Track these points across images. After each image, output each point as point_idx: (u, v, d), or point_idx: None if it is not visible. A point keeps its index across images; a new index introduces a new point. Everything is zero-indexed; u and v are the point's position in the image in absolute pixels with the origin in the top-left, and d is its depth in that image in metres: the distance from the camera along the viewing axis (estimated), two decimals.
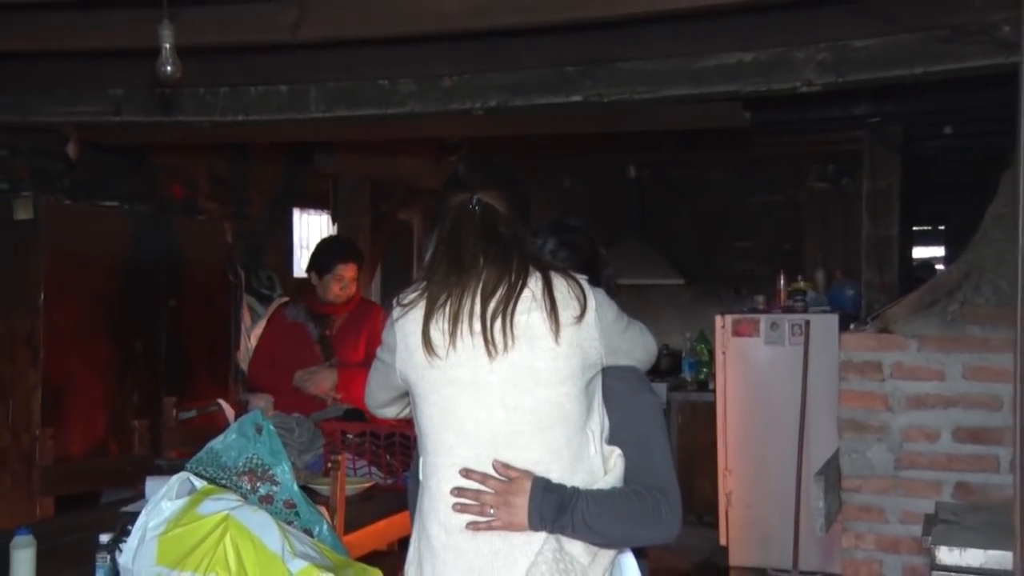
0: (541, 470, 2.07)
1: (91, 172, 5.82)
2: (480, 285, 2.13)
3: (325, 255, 4.89)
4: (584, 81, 4.20)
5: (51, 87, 4.90)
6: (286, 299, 6.16)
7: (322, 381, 4.68)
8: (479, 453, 2.09)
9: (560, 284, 2.15)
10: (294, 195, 7.62)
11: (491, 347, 2.08)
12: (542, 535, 2.05)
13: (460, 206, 2.24)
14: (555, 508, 2.03)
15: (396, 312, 2.21)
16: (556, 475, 2.09)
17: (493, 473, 2.06)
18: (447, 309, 2.13)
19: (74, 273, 5.17)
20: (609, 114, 4.56)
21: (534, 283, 2.14)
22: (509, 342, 2.09)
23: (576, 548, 2.07)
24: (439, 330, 2.12)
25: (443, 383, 2.12)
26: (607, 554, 2.12)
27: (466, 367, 2.10)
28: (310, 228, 7.94)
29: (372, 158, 7.28)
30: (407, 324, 2.17)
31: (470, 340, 2.10)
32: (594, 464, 2.14)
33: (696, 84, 4.07)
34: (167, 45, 3.21)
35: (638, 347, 2.33)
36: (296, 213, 7.76)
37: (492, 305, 2.10)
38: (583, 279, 2.20)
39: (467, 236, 2.20)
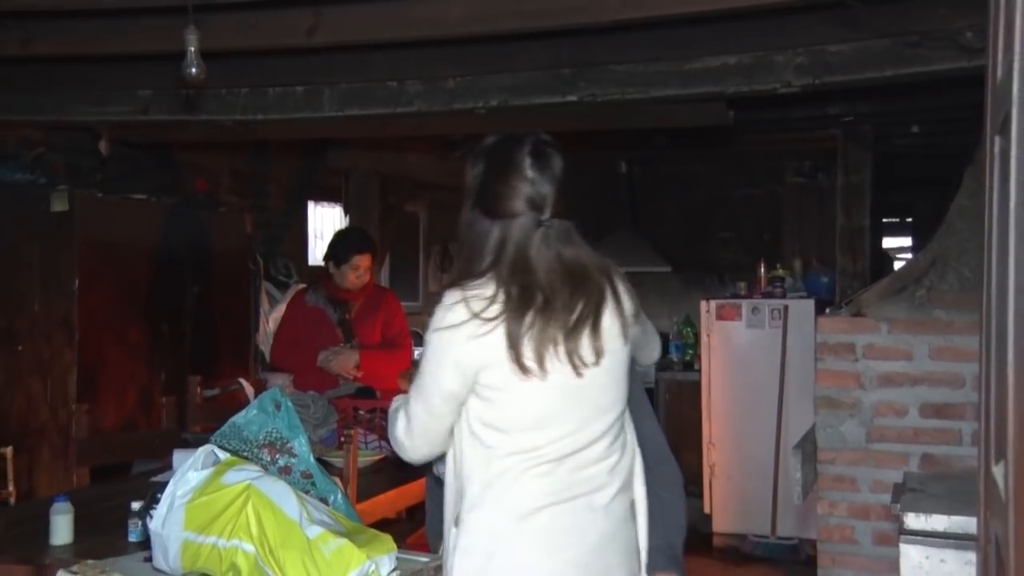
0: (613, 462, 2.08)
1: (121, 167, 5.81)
2: (562, 306, 2.01)
3: (342, 246, 4.88)
4: (579, 82, 4.20)
5: (85, 89, 4.89)
6: (303, 285, 6.16)
7: (345, 361, 4.68)
8: (564, 452, 2.03)
9: (621, 285, 2.13)
10: (309, 189, 7.61)
11: (578, 362, 2.02)
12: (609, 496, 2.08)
13: (525, 228, 2.05)
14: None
15: (475, 326, 1.99)
16: (623, 465, 2.10)
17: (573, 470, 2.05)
18: (534, 331, 1.98)
19: (106, 261, 5.17)
20: (602, 113, 4.56)
21: (608, 290, 2.09)
22: (593, 356, 2.04)
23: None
24: (529, 348, 1.98)
25: (536, 393, 2.01)
26: None
27: (557, 377, 2.01)
28: (324, 219, 7.94)
29: (381, 154, 7.28)
30: (492, 339, 1.98)
31: (559, 357, 2.00)
32: (634, 446, 2.17)
33: (683, 85, 4.07)
34: (192, 49, 3.20)
35: (655, 344, 2.36)
36: (311, 205, 7.75)
37: (576, 324, 2.02)
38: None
39: (543, 261, 2.04)
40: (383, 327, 4.83)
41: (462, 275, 2.07)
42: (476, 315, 1.99)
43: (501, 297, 2.00)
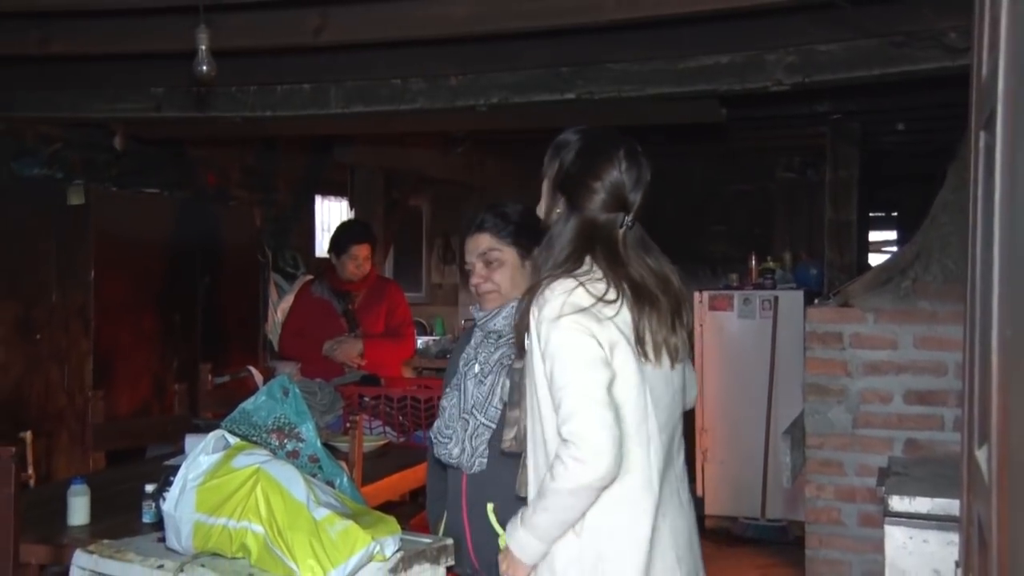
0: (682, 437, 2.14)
1: (135, 163, 5.81)
2: (658, 304, 2.02)
3: (341, 238, 4.87)
4: (577, 80, 4.19)
5: (100, 87, 4.89)
6: (310, 277, 6.16)
7: (349, 350, 4.68)
8: (669, 433, 2.06)
9: (687, 297, 2.15)
10: (316, 183, 7.61)
11: (673, 355, 2.05)
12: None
13: (611, 226, 2.04)
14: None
15: (604, 307, 1.95)
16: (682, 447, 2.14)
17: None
18: (647, 321, 1.98)
19: (121, 253, 5.17)
20: (599, 110, 4.55)
21: (683, 297, 2.11)
22: (677, 354, 2.07)
23: None
24: (648, 335, 1.98)
25: (650, 378, 2.00)
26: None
27: (663, 368, 2.03)
28: (331, 213, 7.95)
29: (386, 150, 7.26)
30: (621, 322, 1.97)
31: (666, 348, 2.03)
32: None
33: (678, 83, 4.07)
34: (203, 48, 3.19)
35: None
36: (318, 199, 7.76)
37: (672, 321, 2.05)
38: None
39: (636, 267, 2.04)
40: (386, 316, 4.82)
41: (558, 265, 2.01)
42: (599, 298, 1.94)
43: (613, 285, 1.97)
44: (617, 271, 1.99)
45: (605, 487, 1.92)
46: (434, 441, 2.48)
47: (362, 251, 4.78)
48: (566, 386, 1.92)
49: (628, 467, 1.95)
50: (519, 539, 2.00)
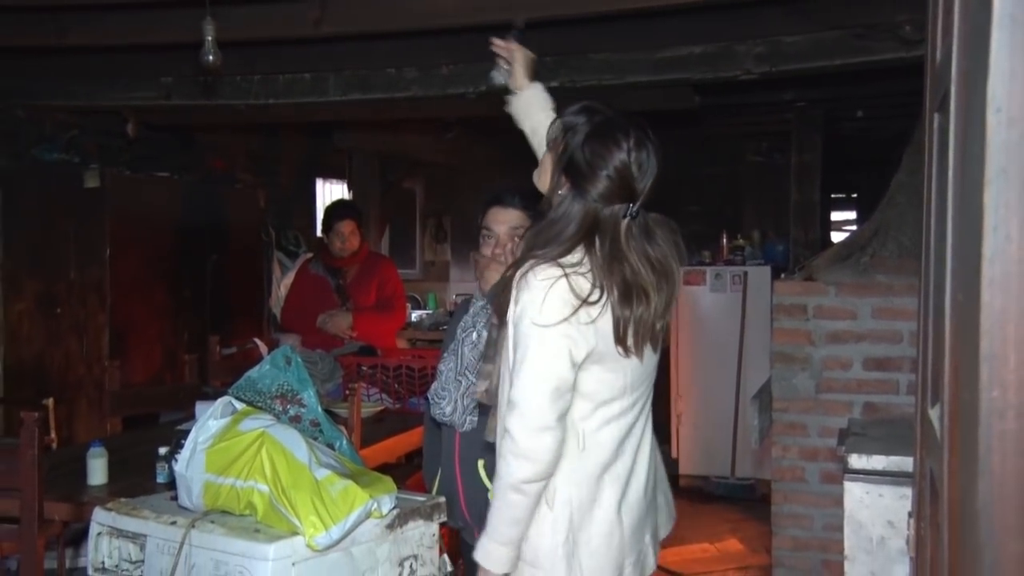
0: (649, 436, 2.09)
1: (147, 148, 5.77)
2: (656, 298, 1.92)
3: (327, 215, 4.88)
4: (560, 70, 4.17)
5: (113, 76, 4.86)
6: (310, 255, 6.13)
7: (340, 322, 4.67)
8: (641, 406, 2.02)
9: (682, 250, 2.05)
10: (317, 167, 7.57)
11: (655, 344, 1.99)
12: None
13: (615, 215, 1.89)
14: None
15: (587, 310, 1.83)
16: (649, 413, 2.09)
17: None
18: (633, 321, 1.88)
19: (134, 232, 5.15)
20: (581, 97, 4.51)
21: (678, 280, 2.01)
22: (666, 335, 2.03)
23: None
24: (631, 338, 1.89)
25: (631, 367, 1.93)
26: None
27: (646, 355, 1.97)
28: (330, 195, 7.90)
29: (382, 135, 7.23)
30: (602, 324, 1.86)
31: (647, 342, 1.95)
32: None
33: (654, 72, 4.06)
34: (209, 38, 3.17)
35: None
36: (318, 182, 7.71)
37: (664, 313, 1.96)
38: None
39: (635, 260, 1.90)
40: (377, 290, 4.81)
41: (550, 248, 1.87)
42: (583, 299, 1.82)
43: (600, 284, 1.84)
44: (612, 267, 1.86)
45: (544, 480, 1.86)
46: (431, 402, 2.48)
47: (345, 227, 4.74)
48: (519, 374, 1.85)
49: (596, 443, 1.93)
50: (482, 547, 1.91)
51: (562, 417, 1.86)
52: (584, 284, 1.83)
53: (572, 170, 1.90)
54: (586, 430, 1.92)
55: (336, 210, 4.88)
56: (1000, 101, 0.73)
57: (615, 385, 1.93)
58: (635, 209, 1.89)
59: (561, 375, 1.83)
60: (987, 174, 0.73)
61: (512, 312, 1.89)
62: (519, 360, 1.86)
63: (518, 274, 1.88)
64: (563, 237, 1.87)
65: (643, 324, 1.90)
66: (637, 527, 2.01)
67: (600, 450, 1.94)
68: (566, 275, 1.82)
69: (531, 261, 1.86)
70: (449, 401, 2.40)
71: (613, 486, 1.96)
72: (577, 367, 1.86)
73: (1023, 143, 0.72)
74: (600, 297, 1.83)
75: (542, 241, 1.90)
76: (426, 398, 2.58)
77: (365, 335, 4.64)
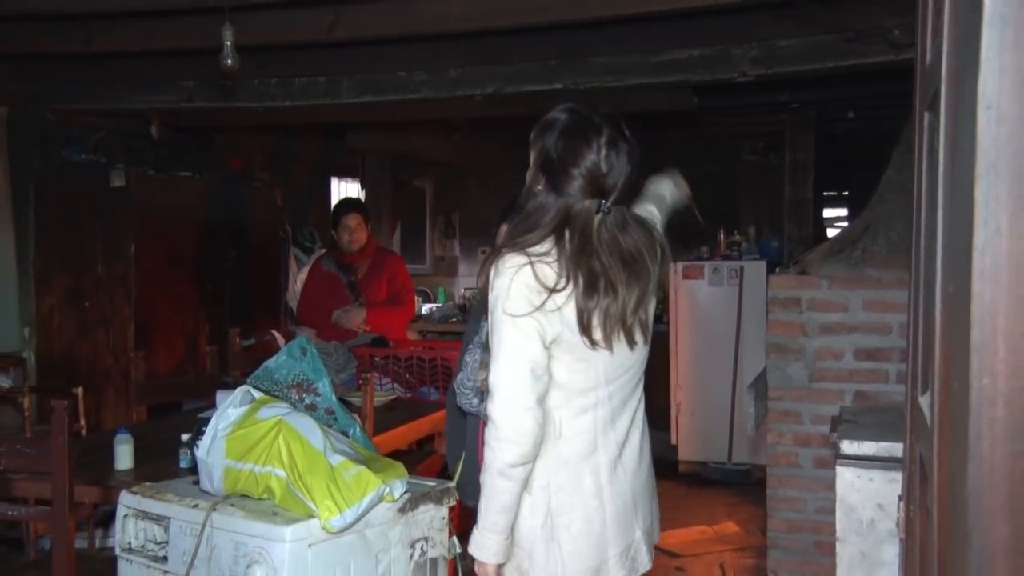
0: (642, 393, 2.05)
1: (169, 149, 5.77)
2: (624, 292, 1.87)
3: (334, 212, 4.88)
4: (564, 72, 4.16)
5: (138, 80, 4.86)
6: (323, 251, 6.13)
7: (354, 317, 4.66)
8: (622, 398, 1.97)
9: (661, 249, 1.99)
10: (331, 166, 7.57)
11: (632, 343, 1.93)
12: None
13: (587, 211, 1.86)
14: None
15: (554, 297, 1.82)
16: (643, 395, 2.05)
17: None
18: (599, 313, 1.85)
19: (158, 229, 5.15)
20: (583, 99, 4.51)
21: (654, 273, 1.94)
22: (642, 337, 1.96)
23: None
24: (597, 330, 1.86)
25: (603, 358, 1.90)
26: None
27: (619, 349, 1.92)
28: (344, 193, 7.90)
29: (393, 136, 7.22)
30: (567, 312, 1.84)
31: (620, 336, 1.90)
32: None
33: (654, 74, 4.04)
34: (228, 43, 3.16)
35: None
36: (333, 181, 7.71)
37: (635, 308, 1.91)
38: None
39: (605, 253, 1.87)
40: (387, 285, 4.79)
41: (522, 238, 1.85)
42: (548, 288, 1.80)
43: (565, 272, 1.83)
44: (580, 259, 1.83)
45: (528, 463, 1.85)
46: (457, 392, 2.46)
47: (351, 220, 4.71)
48: (496, 359, 1.85)
49: (573, 431, 1.91)
50: (474, 540, 1.92)
51: (541, 400, 1.86)
52: (549, 272, 1.82)
53: (547, 167, 1.90)
54: (562, 418, 1.90)
55: (342, 205, 4.88)
56: (990, 98, 0.72)
57: (587, 375, 1.90)
58: (608, 205, 1.87)
59: (535, 357, 1.83)
60: (978, 169, 0.72)
61: (490, 299, 1.88)
62: (495, 346, 1.86)
63: (492, 263, 1.88)
64: (536, 230, 1.86)
65: (610, 317, 1.86)
66: (623, 518, 1.96)
67: (577, 439, 1.92)
68: (531, 263, 1.82)
69: (503, 250, 1.86)
70: (476, 393, 2.39)
71: (594, 475, 1.93)
72: (549, 349, 1.85)
73: (1012, 139, 0.71)
74: (565, 286, 1.82)
75: (518, 232, 1.89)
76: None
77: (377, 328, 4.64)
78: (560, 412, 1.91)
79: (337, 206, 4.93)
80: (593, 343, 1.86)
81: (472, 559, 1.97)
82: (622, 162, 1.87)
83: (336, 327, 4.63)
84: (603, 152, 1.86)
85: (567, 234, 1.86)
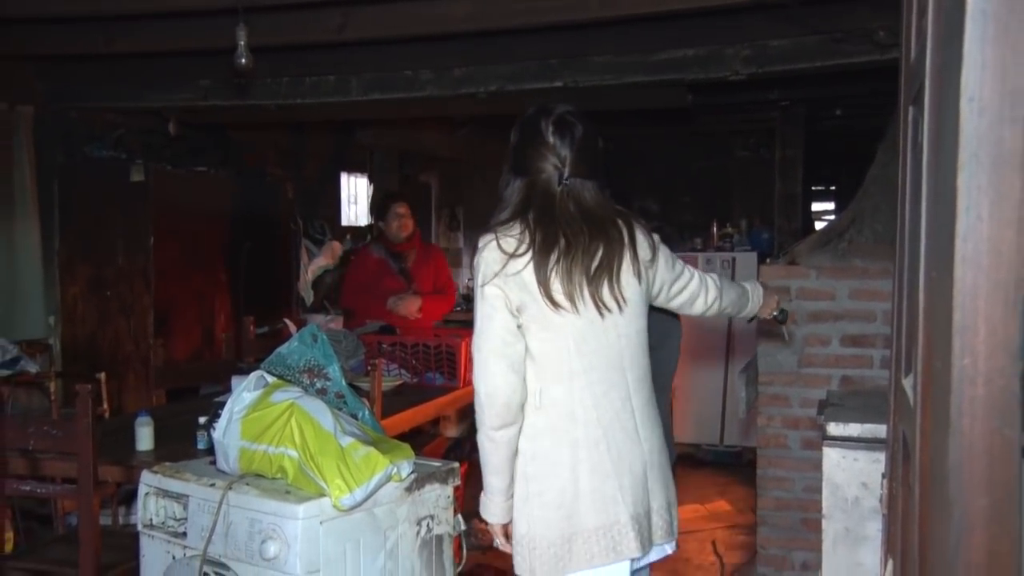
0: (646, 382, 2.02)
1: (186, 145, 5.77)
2: (583, 257, 1.91)
3: (381, 203, 4.87)
4: (564, 71, 4.15)
5: (155, 80, 4.85)
6: (336, 242, 6.14)
7: (411, 305, 4.62)
8: (604, 372, 1.95)
9: (639, 233, 2.02)
10: (340, 161, 7.55)
11: (601, 307, 1.93)
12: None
13: (548, 180, 1.96)
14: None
15: (511, 263, 1.89)
16: (648, 381, 2.03)
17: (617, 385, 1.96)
18: (559, 273, 1.89)
19: (175, 222, 5.15)
20: (583, 96, 4.51)
21: (626, 239, 1.98)
22: (615, 305, 1.95)
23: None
24: (558, 290, 1.89)
25: (571, 323, 1.92)
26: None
27: (587, 314, 1.93)
28: (352, 187, 7.89)
29: (400, 132, 7.21)
30: (525, 276, 1.89)
31: (584, 298, 1.92)
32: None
33: (650, 73, 4.03)
34: (242, 43, 3.15)
35: (683, 294, 2.16)
36: (343, 176, 7.70)
37: (597, 277, 1.92)
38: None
39: (560, 212, 1.94)
40: (434, 277, 4.78)
41: (494, 221, 1.98)
42: (509, 253, 1.89)
43: (527, 239, 1.90)
44: (542, 222, 1.91)
45: (507, 427, 1.90)
46: None
47: (401, 208, 4.71)
48: (474, 332, 1.94)
49: (550, 401, 1.93)
50: (481, 502, 2.00)
51: (516, 367, 1.90)
52: (511, 242, 1.91)
53: (511, 154, 2.04)
54: (540, 389, 1.94)
55: (390, 196, 4.90)
56: (972, 91, 0.72)
57: (556, 345, 1.92)
58: (567, 178, 1.96)
59: (505, 324, 1.90)
60: (960, 159, 0.72)
61: None
62: (475, 319, 1.95)
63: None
64: (506, 210, 1.99)
65: (571, 276, 1.90)
66: (602, 497, 1.92)
67: (554, 409, 1.93)
68: (496, 236, 1.92)
69: (482, 234, 1.98)
70: None
71: (572, 447, 1.93)
72: (517, 317, 1.90)
73: (993, 129, 0.71)
74: (526, 251, 1.90)
75: (494, 216, 2.01)
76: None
77: (428, 316, 4.61)
78: (536, 383, 1.94)
79: (385, 197, 4.97)
80: (555, 304, 1.90)
81: (477, 536, 2.00)
82: (571, 136, 1.98)
83: (385, 312, 4.59)
84: (551, 129, 1.98)
85: (532, 207, 1.95)
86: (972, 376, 0.72)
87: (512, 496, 1.97)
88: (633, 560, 1.97)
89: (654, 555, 2.06)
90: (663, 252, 2.10)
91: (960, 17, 0.74)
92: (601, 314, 1.94)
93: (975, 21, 0.72)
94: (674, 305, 2.19)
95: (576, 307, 1.91)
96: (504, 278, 1.89)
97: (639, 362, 2.02)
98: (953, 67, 0.76)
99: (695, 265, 5.96)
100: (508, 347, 1.90)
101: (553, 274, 1.89)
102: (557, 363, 1.93)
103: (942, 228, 0.79)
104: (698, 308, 2.22)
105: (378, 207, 4.83)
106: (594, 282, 1.92)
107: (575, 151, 1.97)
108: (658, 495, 2.02)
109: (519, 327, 1.91)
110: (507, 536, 2.01)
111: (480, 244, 1.94)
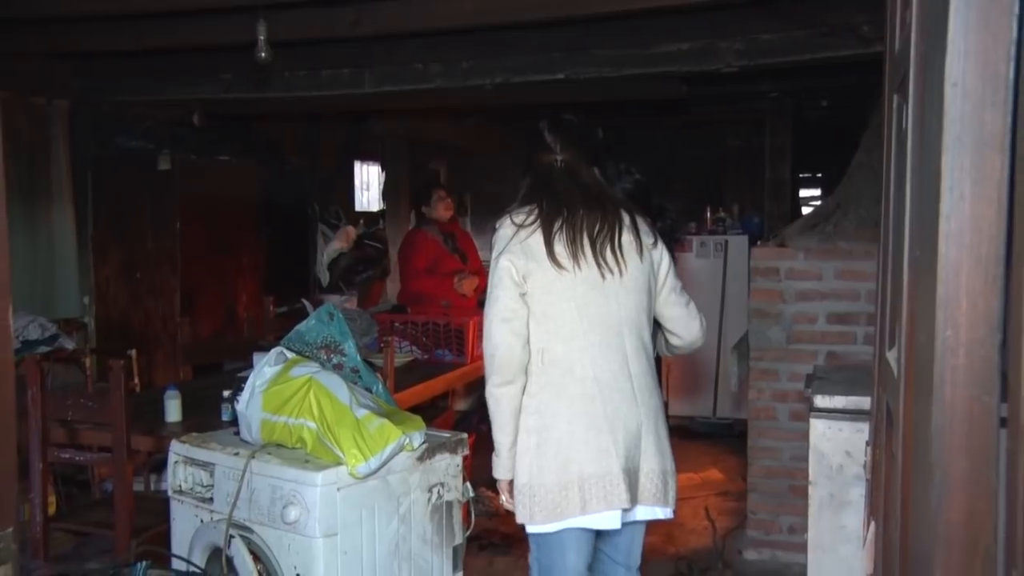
0: (644, 354, 2.07)
1: (210, 135, 5.75)
2: (584, 222, 2.02)
3: (423, 189, 4.87)
4: (565, 64, 4.12)
5: (181, 74, 4.83)
6: (351, 227, 6.12)
7: (471, 283, 4.62)
8: (603, 335, 2.01)
9: (641, 222, 2.11)
10: (354, 150, 7.53)
11: (604, 270, 2.01)
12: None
13: (548, 164, 2.11)
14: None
15: (520, 233, 2.02)
16: (646, 354, 2.08)
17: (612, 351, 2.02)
18: (563, 236, 2.00)
19: (200, 208, 5.16)
20: (584, 88, 4.49)
21: (625, 218, 2.08)
22: (617, 268, 2.02)
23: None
24: (561, 252, 1.99)
25: (572, 287, 2.00)
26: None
27: (589, 277, 2.01)
28: (366, 175, 7.87)
29: (411, 122, 7.18)
30: (532, 242, 2.00)
31: (587, 261, 2.00)
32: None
33: (648, 65, 4.00)
34: (262, 38, 3.15)
35: (683, 320, 2.22)
36: (356, 164, 7.68)
37: (599, 238, 2.01)
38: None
39: (561, 186, 2.07)
40: (473, 253, 4.80)
41: (509, 209, 2.11)
42: (519, 224, 2.03)
43: (535, 212, 2.04)
44: (542, 200, 2.04)
45: (507, 386, 2.00)
46: None
47: (442, 191, 4.78)
48: (486, 299, 2.05)
49: (551, 360, 2.00)
50: (493, 461, 2.07)
51: (518, 333, 2.00)
52: (522, 215, 2.05)
53: (524, 163, 2.19)
54: (543, 349, 2.01)
55: (430, 181, 4.90)
56: (956, 76, 0.72)
57: (561, 307, 1.99)
58: (560, 158, 2.10)
59: (509, 293, 1.99)
60: (944, 141, 0.72)
61: None
62: (487, 287, 2.07)
63: None
64: (521, 197, 2.12)
65: (572, 238, 1.99)
66: (598, 450, 1.97)
67: (555, 368, 2.00)
68: (510, 215, 2.07)
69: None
70: None
71: (569, 402, 1.99)
72: (521, 286, 2.00)
73: (975, 113, 0.71)
74: (533, 221, 2.02)
75: (511, 207, 2.12)
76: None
77: (480, 292, 4.58)
78: (540, 344, 2.01)
79: (427, 184, 4.98)
80: (559, 266, 1.98)
81: (485, 502, 2.02)
82: (566, 129, 2.14)
83: (450, 291, 4.56)
84: (547, 126, 2.15)
85: (537, 190, 2.10)
86: (954, 347, 0.72)
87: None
88: (624, 511, 2.00)
89: (642, 514, 2.08)
90: (665, 250, 2.16)
91: (944, 6, 0.73)
92: (603, 275, 2.01)
93: (959, 11, 0.71)
94: (670, 310, 2.19)
95: (579, 266, 2.00)
96: (514, 248, 2.00)
97: (637, 333, 2.07)
98: (937, 55, 0.75)
99: (690, 248, 6.01)
100: (512, 313, 2.00)
101: (557, 237, 2.00)
102: (559, 325, 2.00)
103: (926, 208, 0.78)
104: (687, 329, 2.26)
105: (422, 196, 4.81)
106: (596, 242, 2.02)
107: (571, 140, 2.12)
108: (651, 458, 2.05)
109: (523, 295, 2.00)
110: (512, 492, 2.04)
111: (496, 225, 2.07)
